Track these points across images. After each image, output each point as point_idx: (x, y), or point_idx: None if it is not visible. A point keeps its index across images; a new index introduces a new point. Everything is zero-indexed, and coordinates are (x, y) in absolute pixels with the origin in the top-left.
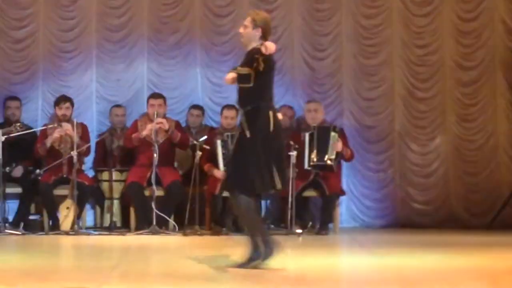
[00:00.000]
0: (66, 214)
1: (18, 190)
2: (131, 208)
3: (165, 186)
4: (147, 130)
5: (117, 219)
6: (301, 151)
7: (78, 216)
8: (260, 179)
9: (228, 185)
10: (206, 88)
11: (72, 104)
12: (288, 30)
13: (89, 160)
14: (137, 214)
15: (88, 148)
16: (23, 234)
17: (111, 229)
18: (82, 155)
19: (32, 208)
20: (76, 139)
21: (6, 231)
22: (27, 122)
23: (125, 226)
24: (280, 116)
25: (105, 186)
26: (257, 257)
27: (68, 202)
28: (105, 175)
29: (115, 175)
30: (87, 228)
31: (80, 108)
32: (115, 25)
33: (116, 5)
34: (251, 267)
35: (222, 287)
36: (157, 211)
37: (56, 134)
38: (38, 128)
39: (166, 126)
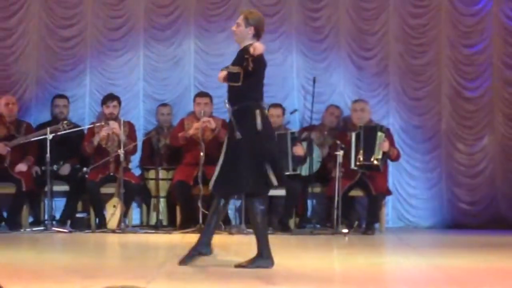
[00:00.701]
0: (112, 212)
1: (66, 188)
2: (177, 207)
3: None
4: (193, 129)
5: (163, 217)
6: (348, 150)
7: (125, 214)
8: (248, 179)
9: (216, 186)
10: None
11: (120, 103)
12: (334, 29)
13: (135, 158)
14: (183, 213)
15: (135, 147)
16: (70, 231)
17: (157, 227)
18: (129, 153)
19: (79, 206)
20: (123, 137)
21: (53, 228)
22: (75, 120)
23: (171, 225)
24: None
25: (151, 184)
26: (257, 259)
27: (115, 200)
28: (151, 174)
29: (162, 174)
30: (133, 226)
31: (127, 107)
32: (163, 23)
33: (164, 4)
34: (253, 267)
35: (268, 285)
36: (203, 210)
37: (103, 133)
38: (85, 126)
39: (213, 125)
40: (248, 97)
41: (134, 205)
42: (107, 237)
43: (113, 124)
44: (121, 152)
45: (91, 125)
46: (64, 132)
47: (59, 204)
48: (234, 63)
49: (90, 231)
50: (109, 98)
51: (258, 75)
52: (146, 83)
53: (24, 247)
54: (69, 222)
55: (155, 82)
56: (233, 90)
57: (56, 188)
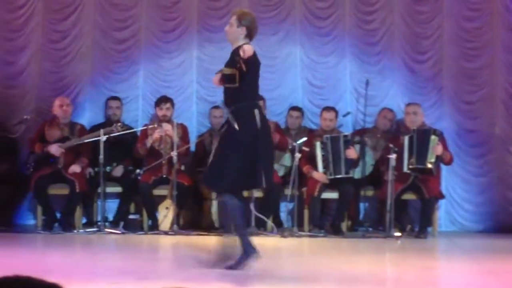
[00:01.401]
0: (165, 214)
1: (118, 189)
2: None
3: (264, 187)
4: None
5: (215, 219)
6: (400, 154)
7: (177, 216)
8: (242, 177)
9: (209, 181)
10: (306, 90)
11: (173, 105)
12: (388, 32)
13: (188, 160)
14: None
15: (188, 149)
16: (122, 233)
17: (209, 229)
18: (181, 155)
19: (132, 207)
20: (176, 139)
21: (106, 230)
22: (128, 122)
23: (223, 227)
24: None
25: (204, 186)
26: (245, 257)
27: (168, 202)
28: None
29: None
30: (186, 228)
31: (180, 109)
32: (216, 26)
33: (217, 7)
34: (241, 268)
35: None
36: (255, 213)
37: (156, 135)
38: (138, 128)
39: None
40: (245, 98)
41: (186, 207)
42: (159, 239)
43: (166, 126)
44: (174, 154)
45: (144, 127)
46: (118, 134)
47: (112, 205)
48: (227, 65)
49: (143, 232)
50: (163, 100)
51: (253, 75)
52: (199, 85)
53: (77, 248)
54: (121, 223)
55: (208, 84)
56: (230, 92)
57: (109, 189)
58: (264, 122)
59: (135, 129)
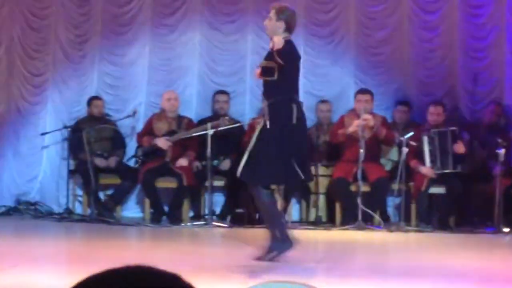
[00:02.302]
0: None
1: (226, 183)
2: (337, 203)
3: (371, 181)
4: (353, 126)
5: (322, 214)
6: (509, 148)
7: (284, 210)
8: (277, 171)
9: (245, 174)
10: (412, 84)
11: None
12: (497, 26)
13: None
14: (343, 209)
15: None
16: (230, 226)
17: (316, 223)
18: None
19: (239, 201)
20: None
21: (213, 223)
22: (235, 116)
23: (330, 221)
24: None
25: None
26: (273, 249)
27: (275, 196)
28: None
29: (321, 170)
30: (292, 222)
31: None
32: (323, 20)
33: (325, 0)
34: (268, 259)
35: (428, 283)
36: (362, 207)
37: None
38: (245, 122)
39: (372, 123)
40: (283, 91)
41: (293, 201)
42: (266, 232)
43: None
44: None
45: (251, 121)
46: (225, 127)
47: (219, 199)
48: (266, 58)
49: (250, 226)
50: None
51: (291, 69)
52: (306, 80)
53: (185, 241)
54: (229, 217)
55: (315, 79)
56: (268, 85)
57: (216, 183)
58: (301, 118)
59: (242, 123)
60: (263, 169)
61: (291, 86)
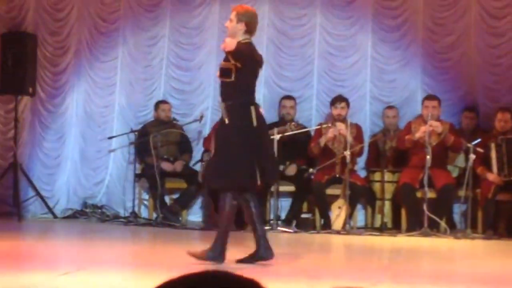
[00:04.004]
0: (338, 213)
1: (291, 188)
2: (403, 209)
3: (438, 188)
4: (420, 132)
5: (388, 220)
6: None
7: (350, 215)
8: (240, 174)
9: (209, 179)
10: (480, 91)
11: (348, 104)
12: None
13: (361, 160)
14: (409, 216)
15: (361, 149)
16: (295, 232)
17: (382, 229)
18: (355, 155)
19: (305, 206)
20: (349, 139)
21: (279, 228)
22: (302, 121)
23: (395, 227)
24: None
25: (376, 186)
26: (208, 257)
27: (340, 202)
28: (377, 176)
29: (387, 176)
30: (358, 228)
31: (354, 108)
32: (391, 25)
33: (393, 6)
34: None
35: None
36: (428, 213)
37: (330, 134)
38: (312, 127)
39: (439, 130)
40: (241, 92)
41: (359, 206)
42: (331, 238)
43: (339, 126)
44: (347, 153)
45: (318, 126)
46: (291, 133)
47: (285, 204)
48: (225, 59)
49: (315, 231)
50: (338, 99)
51: (249, 71)
52: (372, 85)
53: (250, 246)
54: (294, 222)
55: (382, 84)
56: (226, 86)
57: (282, 188)
58: (260, 119)
59: (308, 128)
60: (229, 173)
61: (249, 88)
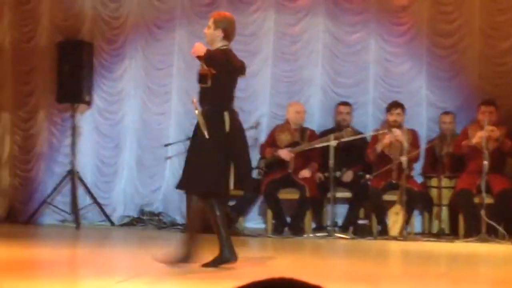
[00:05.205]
0: (394, 219)
1: (348, 194)
2: (460, 215)
3: (495, 194)
4: (477, 137)
5: (445, 226)
6: None
7: (407, 221)
8: (213, 180)
9: (182, 184)
10: None
11: (404, 110)
12: None
13: (418, 166)
14: (466, 221)
15: (418, 154)
16: (352, 238)
17: (439, 235)
18: (411, 161)
19: (361, 212)
20: (405, 145)
21: (336, 234)
22: (358, 127)
23: (453, 233)
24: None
25: (433, 192)
26: (181, 258)
27: (397, 208)
28: (434, 182)
29: (444, 182)
30: (415, 234)
31: (410, 114)
32: (446, 30)
33: (448, 11)
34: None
35: None
36: (486, 219)
37: (386, 140)
38: (368, 134)
39: (497, 134)
40: (216, 98)
41: (416, 212)
42: (389, 245)
43: (396, 132)
44: (403, 159)
45: (374, 132)
46: (347, 139)
47: (342, 210)
48: (201, 65)
49: (372, 238)
50: (394, 105)
51: (225, 77)
52: (429, 91)
53: (307, 253)
54: (351, 228)
55: (438, 90)
56: (203, 92)
57: (339, 194)
58: (235, 126)
59: (364, 134)
60: (198, 177)
61: (224, 94)
